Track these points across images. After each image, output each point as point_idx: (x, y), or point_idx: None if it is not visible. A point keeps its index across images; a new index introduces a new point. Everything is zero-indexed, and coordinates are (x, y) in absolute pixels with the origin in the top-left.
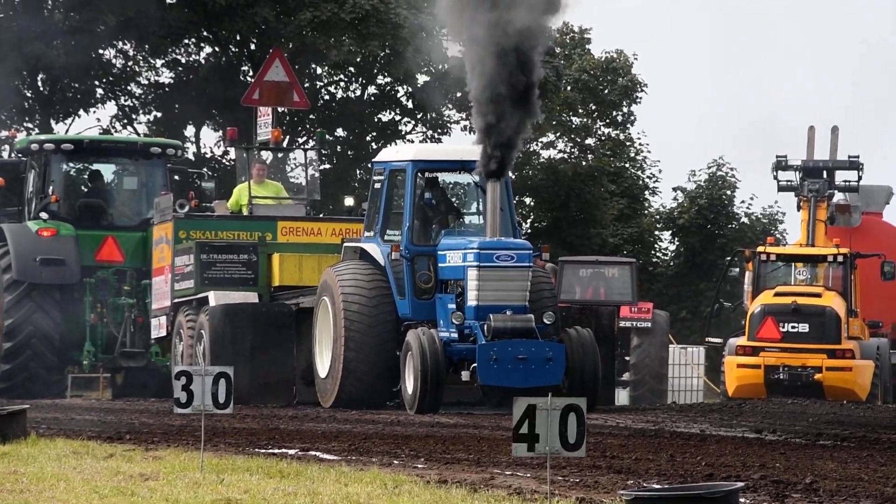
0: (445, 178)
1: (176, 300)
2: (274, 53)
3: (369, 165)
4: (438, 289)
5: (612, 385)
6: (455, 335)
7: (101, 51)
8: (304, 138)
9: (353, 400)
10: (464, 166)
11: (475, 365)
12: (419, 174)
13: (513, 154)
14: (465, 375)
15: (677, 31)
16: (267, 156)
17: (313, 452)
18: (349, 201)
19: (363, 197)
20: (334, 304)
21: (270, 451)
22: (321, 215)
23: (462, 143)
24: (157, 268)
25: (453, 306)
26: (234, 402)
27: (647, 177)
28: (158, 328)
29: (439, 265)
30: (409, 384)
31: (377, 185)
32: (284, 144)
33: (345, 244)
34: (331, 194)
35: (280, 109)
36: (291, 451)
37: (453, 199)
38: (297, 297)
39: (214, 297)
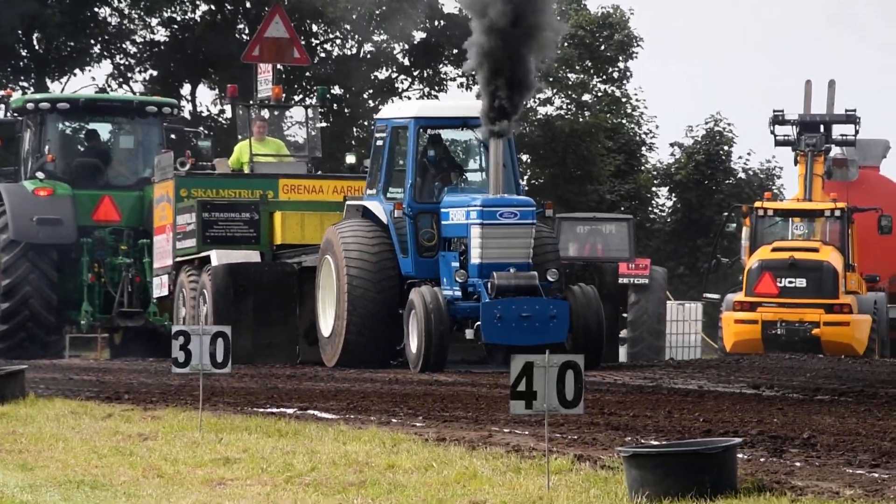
0: (448, 134)
1: (178, 259)
2: (274, 9)
3: (367, 123)
4: (441, 247)
5: (615, 342)
6: (458, 293)
7: (96, 9)
8: (301, 96)
9: (357, 359)
10: (466, 123)
11: (479, 323)
12: (421, 131)
13: (516, 110)
14: (468, 334)
15: None
16: (266, 113)
17: (312, 411)
18: (350, 158)
19: (364, 154)
20: (337, 262)
21: (269, 410)
22: (319, 172)
23: (463, 100)
24: (159, 226)
25: (457, 264)
26: (237, 362)
27: (644, 133)
28: (160, 287)
29: (442, 223)
30: (413, 343)
31: (379, 143)
32: (284, 102)
33: (347, 202)
34: (328, 153)
35: (279, 66)
36: (290, 411)
37: (456, 156)
38: (299, 256)
39: (216, 256)
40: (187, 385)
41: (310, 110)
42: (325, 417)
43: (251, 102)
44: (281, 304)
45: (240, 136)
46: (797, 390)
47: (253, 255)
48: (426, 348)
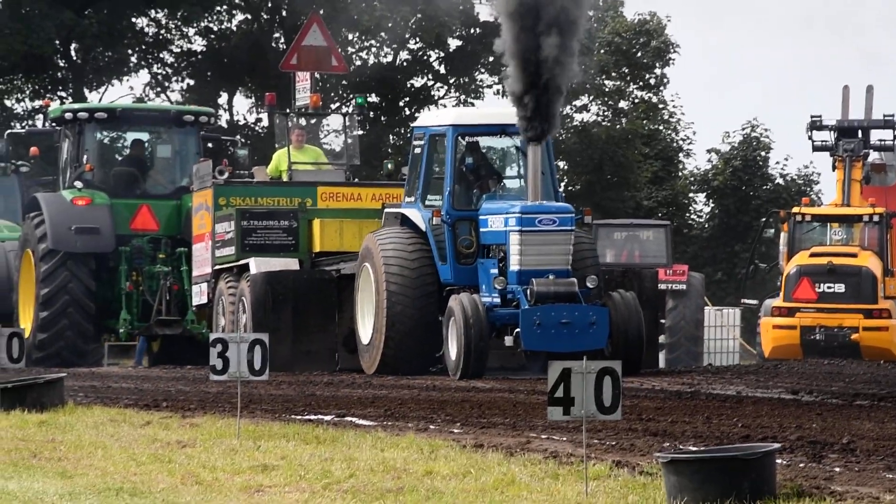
0: (485, 141)
1: (217, 267)
2: (311, 18)
3: (403, 131)
4: (480, 254)
5: (655, 348)
6: (498, 300)
7: (133, 19)
8: (337, 104)
9: (396, 366)
10: (504, 130)
11: (518, 330)
12: (459, 138)
13: (554, 116)
14: (508, 341)
15: None
16: (304, 121)
17: (349, 418)
18: (388, 166)
19: (402, 161)
20: (376, 270)
21: (307, 417)
22: (357, 180)
23: (501, 107)
24: (198, 235)
25: (495, 271)
26: (276, 370)
27: (681, 139)
28: (200, 295)
29: (481, 230)
30: (453, 350)
31: (417, 151)
32: (322, 110)
33: (385, 210)
34: (365, 160)
35: (316, 75)
36: (327, 417)
37: (493, 163)
38: (337, 264)
39: (255, 264)
40: (225, 392)
41: (347, 118)
42: (363, 424)
43: (289, 110)
44: (320, 312)
45: (277, 145)
46: (836, 395)
47: (292, 263)
48: (465, 355)
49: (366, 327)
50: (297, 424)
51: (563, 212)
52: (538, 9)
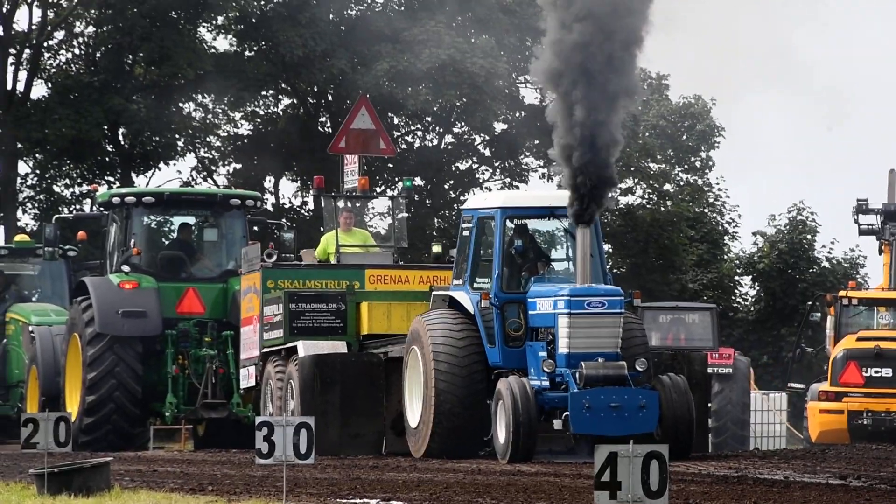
0: (532, 224)
1: (265, 350)
2: (360, 101)
3: (448, 213)
4: (529, 336)
5: (705, 432)
6: (546, 383)
7: (180, 104)
8: (382, 187)
9: (445, 450)
10: (553, 212)
11: (567, 413)
12: (508, 221)
13: (603, 199)
14: (557, 424)
15: (753, 75)
16: (352, 204)
17: (395, 502)
18: (436, 248)
19: (449, 244)
20: (424, 353)
21: (352, 500)
22: (400, 262)
23: (548, 189)
24: (246, 318)
25: (544, 354)
26: (325, 454)
27: (727, 222)
28: (248, 378)
29: (529, 312)
30: (501, 433)
31: (465, 233)
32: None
33: (434, 292)
34: (410, 243)
35: (366, 157)
36: (373, 501)
37: (541, 246)
38: (385, 347)
39: (304, 347)
40: (270, 476)
41: (394, 201)
42: None
43: (337, 193)
44: (368, 395)
45: (325, 227)
46: (885, 481)
47: (340, 346)
48: (514, 439)
49: (414, 410)
50: None
51: (613, 294)
52: (590, 89)
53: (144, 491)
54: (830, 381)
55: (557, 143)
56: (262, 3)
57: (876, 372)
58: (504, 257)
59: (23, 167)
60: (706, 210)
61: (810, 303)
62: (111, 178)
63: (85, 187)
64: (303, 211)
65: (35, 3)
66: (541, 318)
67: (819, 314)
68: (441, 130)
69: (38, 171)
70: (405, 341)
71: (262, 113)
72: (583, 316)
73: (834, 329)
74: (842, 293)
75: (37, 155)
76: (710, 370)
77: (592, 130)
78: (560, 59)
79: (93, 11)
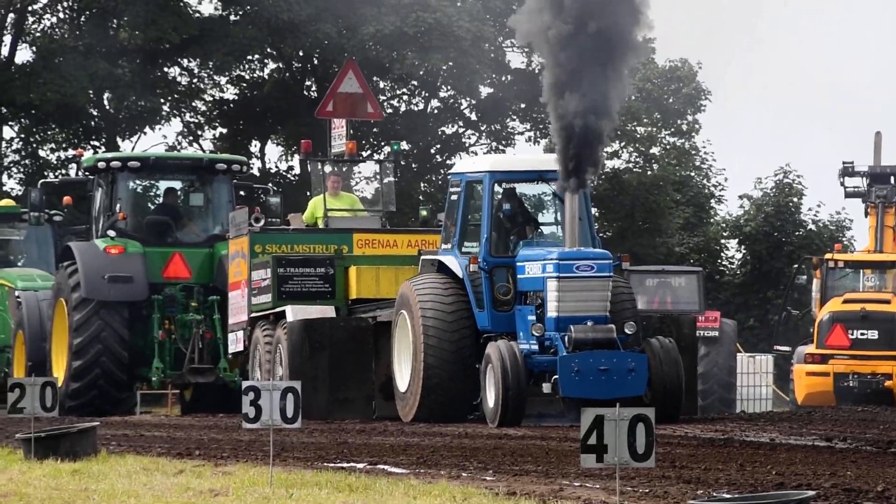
0: (521, 188)
1: (253, 315)
2: (347, 65)
3: (434, 178)
4: (517, 300)
5: (694, 395)
6: (535, 347)
7: (165, 69)
8: (369, 151)
9: (434, 414)
10: (542, 176)
11: (556, 377)
12: (496, 185)
13: (593, 162)
14: (546, 388)
15: (741, 38)
16: (340, 168)
17: (382, 466)
18: (423, 212)
19: (436, 208)
20: (413, 317)
21: (339, 465)
22: (388, 227)
23: (535, 153)
24: (234, 282)
25: (533, 318)
26: (314, 418)
27: (713, 185)
28: (236, 343)
29: (518, 276)
30: (491, 397)
31: (454, 197)
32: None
33: (422, 257)
34: (397, 208)
35: (353, 121)
36: (360, 465)
37: (530, 210)
38: (374, 311)
39: (292, 312)
40: (258, 440)
41: (382, 164)
42: (396, 472)
43: (325, 157)
44: (356, 360)
45: (312, 192)
46: (870, 443)
47: (328, 311)
48: (503, 403)
49: (403, 375)
50: (329, 472)
51: (601, 258)
52: (583, 56)
53: (131, 456)
54: (816, 344)
55: (550, 107)
56: None
57: (862, 334)
58: (492, 221)
59: (8, 132)
60: (692, 173)
61: (796, 266)
62: (96, 143)
63: (70, 152)
64: (289, 175)
65: None
66: (530, 282)
67: (805, 277)
68: (427, 95)
69: (22, 136)
70: (394, 306)
71: (247, 77)
72: (572, 279)
73: (820, 292)
74: (828, 256)
75: (22, 119)
76: (696, 333)
77: (587, 101)
78: (557, 23)
79: None
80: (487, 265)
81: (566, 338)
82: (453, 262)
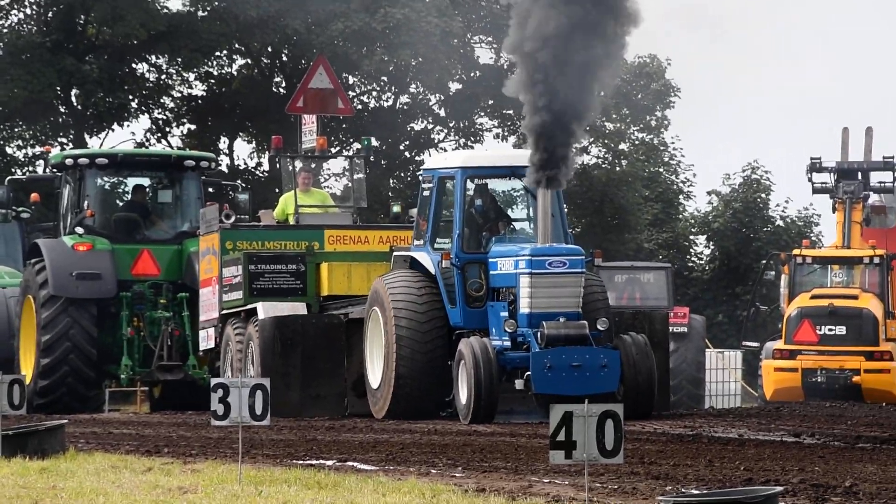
0: (494, 184)
1: (224, 311)
2: (318, 60)
3: (403, 174)
4: (490, 297)
5: (666, 391)
6: (508, 343)
7: (133, 65)
8: (338, 148)
9: (406, 411)
10: (514, 172)
11: (529, 373)
12: (468, 181)
13: (567, 159)
14: (518, 384)
15: (710, 34)
16: (310, 164)
17: (351, 463)
18: (395, 208)
19: (408, 204)
20: (385, 314)
21: (308, 462)
22: (360, 223)
23: (506, 150)
24: (205, 279)
25: (505, 314)
26: (286, 415)
27: (682, 181)
28: (207, 340)
29: (490, 273)
30: (463, 394)
31: (426, 193)
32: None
33: (394, 253)
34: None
35: (323, 117)
36: (329, 462)
37: (502, 206)
38: (346, 307)
39: (263, 309)
40: (227, 438)
41: (352, 161)
42: (365, 469)
43: (296, 153)
44: (328, 357)
45: (277, 190)
46: (838, 438)
47: (300, 307)
48: (476, 399)
49: (375, 372)
50: (298, 469)
51: (574, 254)
52: (557, 51)
53: (100, 453)
54: (785, 340)
55: (524, 102)
56: None
57: (830, 330)
58: (464, 217)
59: None
60: (661, 169)
61: (764, 261)
62: (64, 140)
63: (38, 148)
64: (258, 172)
65: None
66: (502, 279)
67: (773, 273)
68: (396, 90)
69: None
70: (366, 302)
71: (215, 74)
72: (544, 276)
73: (788, 287)
74: (796, 252)
75: None
76: None
77: (562, 95)
78: (534, 25)
79: None
80: (460, 261)
81: (539, 334)
82: (426, 259)
